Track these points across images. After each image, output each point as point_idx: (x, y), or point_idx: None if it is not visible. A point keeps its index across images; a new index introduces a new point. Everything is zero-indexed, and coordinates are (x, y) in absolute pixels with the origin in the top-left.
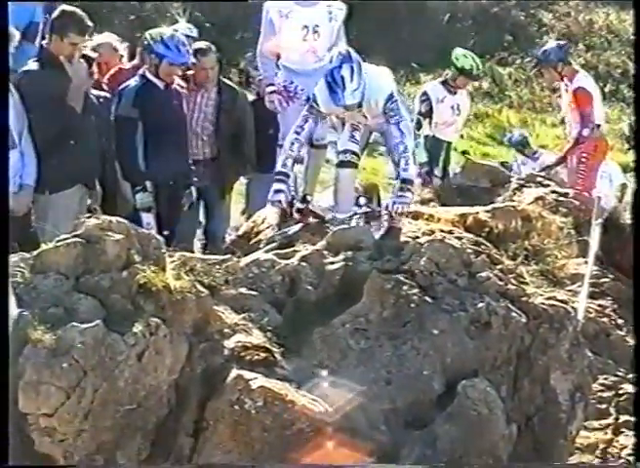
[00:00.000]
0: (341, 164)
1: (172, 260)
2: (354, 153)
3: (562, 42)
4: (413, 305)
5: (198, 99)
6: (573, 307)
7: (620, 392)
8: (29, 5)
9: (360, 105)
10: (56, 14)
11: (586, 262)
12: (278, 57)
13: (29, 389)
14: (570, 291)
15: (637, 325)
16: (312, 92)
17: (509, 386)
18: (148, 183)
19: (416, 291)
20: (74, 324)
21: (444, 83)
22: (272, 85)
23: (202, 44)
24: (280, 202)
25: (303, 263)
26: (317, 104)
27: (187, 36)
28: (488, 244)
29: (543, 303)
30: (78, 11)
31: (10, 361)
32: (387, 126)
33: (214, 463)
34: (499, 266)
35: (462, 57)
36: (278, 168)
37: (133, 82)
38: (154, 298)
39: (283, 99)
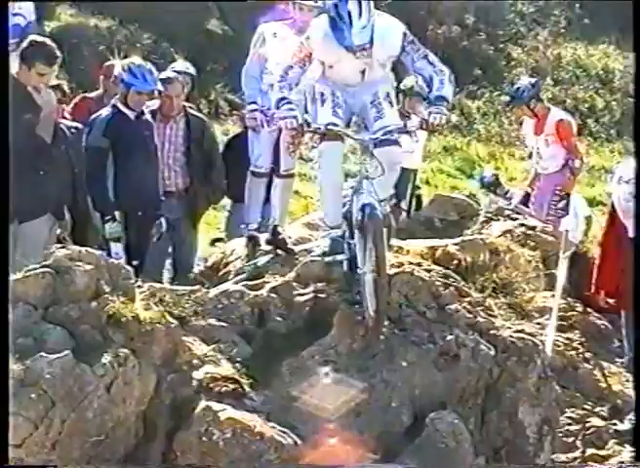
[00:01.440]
0: (325, 137)
1: (141, 291)
2: (337, 126)
3: (534, 79)
4: (382, 337)
5: (167, 131)
6: (541, 340)
7: (588, 425)
8: None
9: (367, 48)
10: (25, 43)
11: (554, 295)
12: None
13: None
14: (538, 323)
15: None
16: None
17: (477, 419)
18: (117, 213)
19: (385, 323)
20: (43, 354)
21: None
22: (255, 103)
23: (168, 73)
24: (296, 117)
25: (273, 295)
26: (309, 45)
27: (185, 73)
28: (456, 276)
29: (512, 336)
30: (47, 41)
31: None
32: (413, 63)
33: (194, 463)
34: (467, 299)
35: (406, 78)
36: (278, 97)
37: (104, 112)
38: (123, 329)
39: (264, 119)
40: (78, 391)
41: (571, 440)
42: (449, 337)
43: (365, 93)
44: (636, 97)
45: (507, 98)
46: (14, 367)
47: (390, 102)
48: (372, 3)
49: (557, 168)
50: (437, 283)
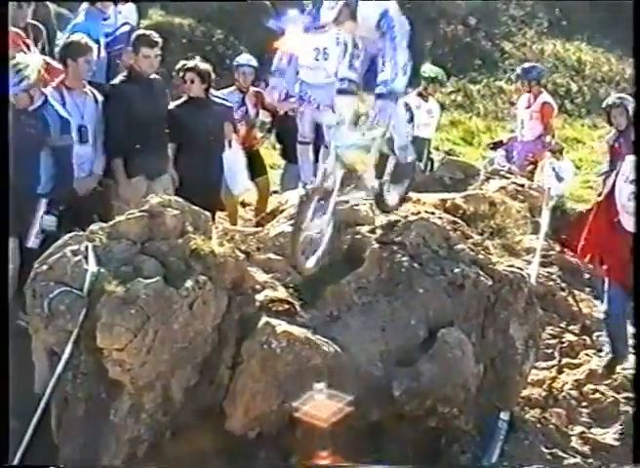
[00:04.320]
0: (340, 91)
1: (217, 231)
2: (351, 81)
3: (541, 66)
4: (403, 270)
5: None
6: (527, 273)
7: (563, 340)
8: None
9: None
10: (132, 37)
11: (538, 238)
12: (297, 72)
13: (105, 329)
14: (525, 260)
15: (637, 313)
16: (322, 100)
17: (478, 334)
18: None
19: (406, 258)
20: (140, 279)
21: (419, 94)
22: (292, 96)
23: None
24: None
25: None
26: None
27: (249, 66)
28: (462, 223)
29: (505, 270)
30: (147, 31)
31: (85, 312)
32: (382, 42)
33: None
34: (470, 240)
35: (429, 70)
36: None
37: None
38: (202, 261)
39: (301, 105)
40: (167, 308)
41: (550, 351)
42: (456, 270)
43: (378, 40)
44: (636, 96)
45: (518, 72)
46: (117, 289)
47: (391, 59)
48: None
49: (532, 138)
50: (447, 228)
